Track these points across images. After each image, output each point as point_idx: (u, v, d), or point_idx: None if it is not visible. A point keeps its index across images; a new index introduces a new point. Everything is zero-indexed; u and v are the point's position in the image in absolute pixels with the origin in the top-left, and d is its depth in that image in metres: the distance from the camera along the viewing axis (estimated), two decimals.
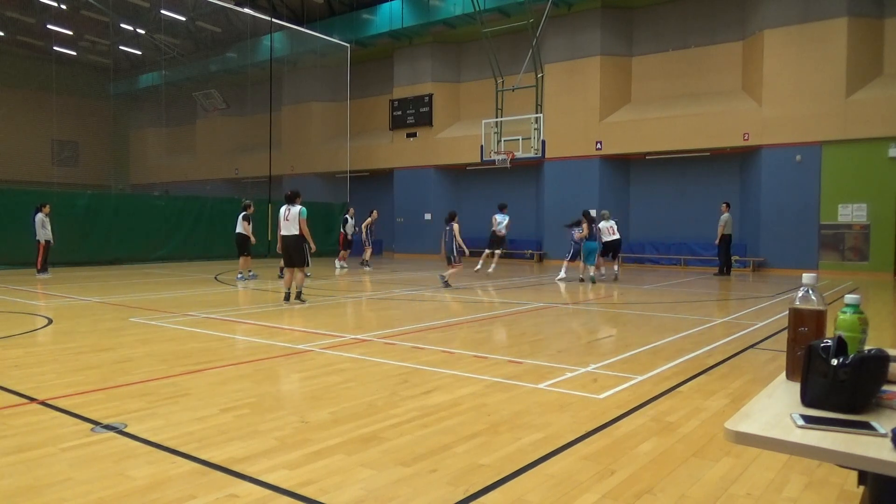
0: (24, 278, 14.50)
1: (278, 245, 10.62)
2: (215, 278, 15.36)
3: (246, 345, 6.79)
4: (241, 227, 14.40)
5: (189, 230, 21.57)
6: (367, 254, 19.25)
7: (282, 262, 14.01)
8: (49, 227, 15.07)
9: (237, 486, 3.05)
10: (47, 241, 15.02)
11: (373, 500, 2.91)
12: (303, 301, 10.50)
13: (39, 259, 15.00)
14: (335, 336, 7.33)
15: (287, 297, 10.57)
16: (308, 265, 10.72)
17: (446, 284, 13.28)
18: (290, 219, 10.41)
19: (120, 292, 11.94)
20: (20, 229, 17.19)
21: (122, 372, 5.44)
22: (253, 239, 14.57)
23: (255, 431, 3.87)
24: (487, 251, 16.76)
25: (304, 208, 10.44)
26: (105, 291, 12.05)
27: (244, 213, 14.52)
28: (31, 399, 4.55)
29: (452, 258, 13.59)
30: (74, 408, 4.32)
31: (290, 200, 10.55)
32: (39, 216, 15.01)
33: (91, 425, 3.95)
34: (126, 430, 3.86)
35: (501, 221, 16.43)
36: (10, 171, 27.67)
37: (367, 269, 18.66)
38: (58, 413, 4.22)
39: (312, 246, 10.65)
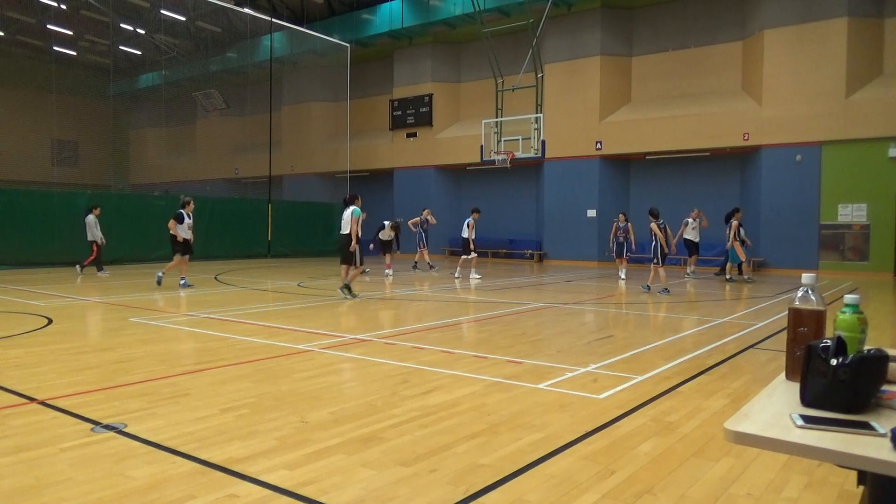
0: (24, 278, 14.50)
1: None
2: (215, 278, 15.36)
3: (246, 345, 6.79)
4: (168, 225, 12.70)
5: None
6: (423, 255, 18.22)
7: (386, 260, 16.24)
8: (99, 229, 15.32)
9: (237, 486, 3.05)
10: (98, 242, 15.31)
11: (373, 500, 2.91)
12: (353, 296, 11.06)
13: (95, 259, 15.33)
14: (335, 336, 7.33)
15: (346, 289, 11.22)
16: (359, 264, 11.21)
17: (666, 291, 12.43)
18: (345, 219, 11.25)
19: (120, 292, 11.94)
20: (20, 229, 17.22)
21: (122, 372, 5.44)
22: (179, 237, 12.58)
23: (255, 431, 3.87)
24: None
25: (357, 209, 11.15)
26: (105, 291, 12.05)
27: (178, 211, 12.76)
28: (31, 399, 4.55)
29: (656, 260, 12.58)
30: (74, 408, 4.32)
31: (347, 203, 11.32)
32: (90, 217, 15.30)
33: (91, 425, 3.94)
34: (126, 430, 3.86)
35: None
36: (10, 171, 27.69)
37: (420, 271, 17.85)
38: (58, 413, 4.22)
39: (353, 245, 11.05)
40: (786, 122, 18.16)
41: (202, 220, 22.03)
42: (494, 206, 24.83)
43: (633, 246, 15.48)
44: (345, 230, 11.24)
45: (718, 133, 19.27)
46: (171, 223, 12.73)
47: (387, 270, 16.64)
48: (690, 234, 15.84)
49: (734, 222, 15.19)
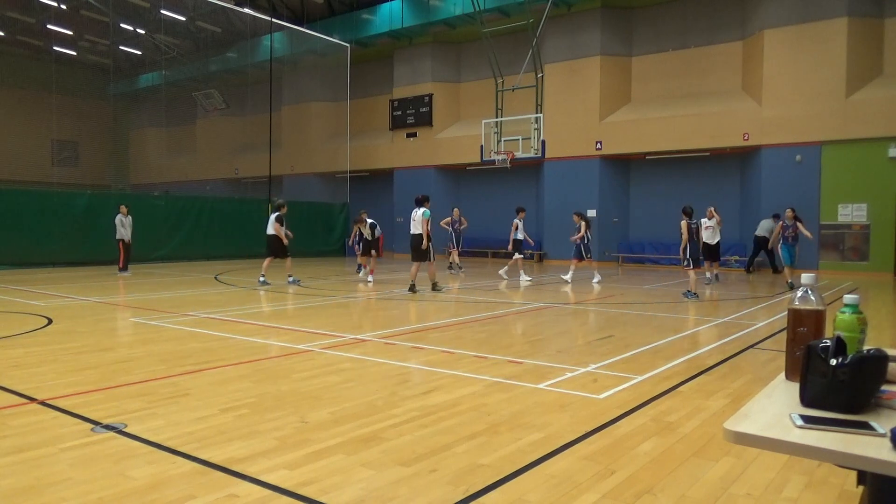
0: (24, 278, 14.51)
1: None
2: (215, 278, 15.36)
3: (246, 345, 6.79)
4: (273, 228, 13.60)
5: (189, 230, 21.57)
6: (454, 255, 17.49)
7: (358, 259, 15.83)
8: (127, 227, 15.52)
9: (237, 486, 3.05)
10: (124, 241, 15.51)
11: (373, 500, 2.92)
12: (438, 290, 12.00)
13: (122, 258, 15.54)
14: (335, 336, 7.33)
15: (412, 288, 11.89)
16: (432, 260, 11.93)
17: (693, 294, 11.76)
18: (416, 219, 11.72)
19: (120, 292, 11.94)
20: (20, 229, 17.22)
21: (122, 372, 5.44)
22: (285, 239, 13.69)
23: (255, 431, 3.87)
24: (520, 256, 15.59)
25: (427, 210, 11.73)
26: (105, 291, 12.05)
27: (277, 213, 13.74)
28: (31, 399, 4.55)
29: (686, 262, 11.85)
30: (74, 408, 4.32)
31: (419, 203, 11.83)
32: (119, 217, 15.50)
33: (91, 425, 3.95)
34: (126, 430, 3.86)
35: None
36: (10, 171, 27.68)
37: (455, 272, 17.15)
38: (58, 413, 4.22)
39: (425, 243, 11.78)
40: (786, 122, 18.15)
41: (203, 220, 22.07)
42: (494, 206, 24.83)
43: (576, 247, 14.74)
44: (415, 230, 11.70)
45: (718, 133, 19.27)
46: (278, 227, 13.45)
47: (369, 277, 14.67)
48: (706, 235, 14.32)
49: (780, 222, 13.99)
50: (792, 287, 13.55)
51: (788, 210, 14.07)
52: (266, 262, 13.61)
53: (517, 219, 15.52)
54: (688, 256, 11.83)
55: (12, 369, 5.51)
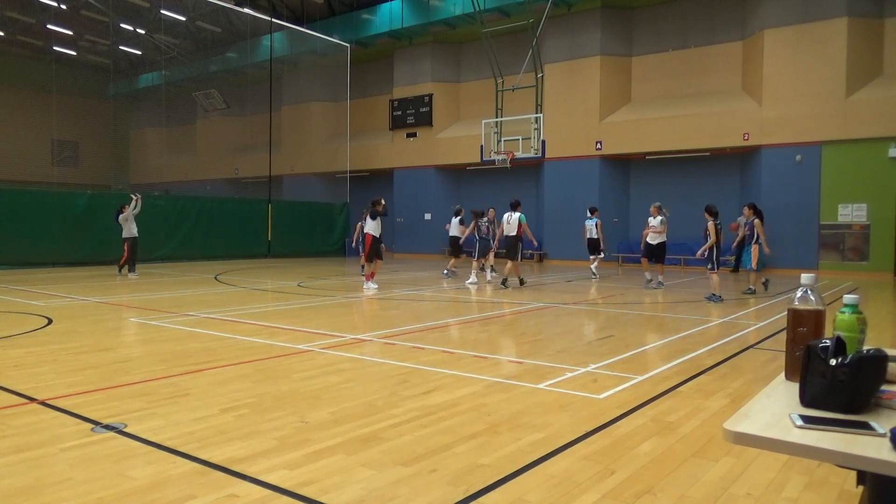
0: (24, 278, 14.50)
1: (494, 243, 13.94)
2: (215, 278, 15.36)
3: (246, 345, 6.79)
4: (458, 230, 15.66)
5: (189, 230, 21.57)
6: (490, 258, 15.16)
7: (361, 260, 16.22)
8: (131, 222, 15.19)
9: (237, 486, 3.05)
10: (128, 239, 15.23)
11: (373, 500, 2.92)
12: (523, 283, 13.47)
13: (124, 258, 15.26)
14: (335, 336, 7.33)
15: (504, 282, 13.19)
16: (519, 259, 13.34)
17: (717, 298, 11.08)
18: (511, 222, 13.06)
19: (120, 292, 11.94)
20: (20, 229, 17.22)
21: (122, 372, 5.44)
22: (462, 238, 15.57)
23: (255, 431, 3.87)
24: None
25: (523, 215, 13.20)
26: (105, 291, 12.05)
27: (460, 217, 15.87)
28: (31, 399, 4.55)
29: (710, 265, 11.27)
30: (74, 408, 4.32)
31: (513, 208, 13.24)
32: (123, 216, 15.24)
33: (91, 425, 3.95)
34: (126, 430, 3.86)
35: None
36: (10, 171, 27.69)
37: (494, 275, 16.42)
38: (58, 413, 4.22)
39: (493, 244, 13.54)
40: (786, 122, 18.15)
41: (203, 220, 22.07)
42: (494, 206, 24.71)
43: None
44: (510, 232, 13.05)
45: (718, 133, 19.27)
46: (463, 228, 15.37)
47: (372, 283, 13.26)
48: (650, 235, 13.16)
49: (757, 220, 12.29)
50: (752, 293, 12.22)
51: (746, 206, 12.61)
52: (452, 261, 15.83)
53: (598, 219, 15.96)
54: (713, 259, 11.16)
55: (12, 369, 5.51)
